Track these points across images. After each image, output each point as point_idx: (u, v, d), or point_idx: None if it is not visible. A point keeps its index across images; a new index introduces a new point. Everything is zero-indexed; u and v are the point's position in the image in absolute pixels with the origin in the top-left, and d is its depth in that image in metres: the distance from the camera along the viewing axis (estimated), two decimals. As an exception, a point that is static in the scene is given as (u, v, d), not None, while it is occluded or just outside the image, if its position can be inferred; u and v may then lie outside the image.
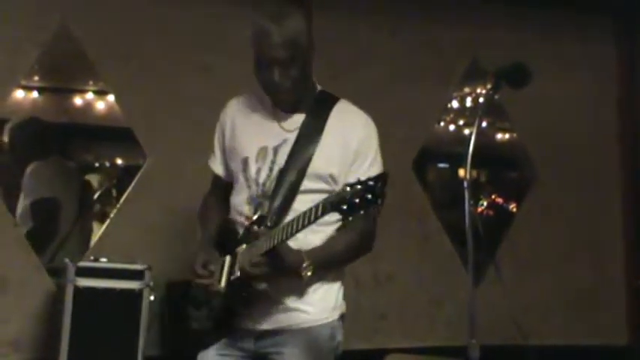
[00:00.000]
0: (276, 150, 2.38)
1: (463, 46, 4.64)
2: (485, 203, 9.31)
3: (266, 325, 2.36)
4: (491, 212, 9.17)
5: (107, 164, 8.47)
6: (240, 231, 2.40)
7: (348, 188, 1.99)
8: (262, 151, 2.40)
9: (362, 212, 1.99)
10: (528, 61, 2.24)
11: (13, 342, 3.78)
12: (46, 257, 4.09)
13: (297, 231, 2.14)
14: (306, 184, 2.34)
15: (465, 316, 2.13)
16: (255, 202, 2.38)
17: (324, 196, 2.22)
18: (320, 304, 2.38)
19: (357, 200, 1.96)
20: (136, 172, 4.21)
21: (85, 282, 3.46)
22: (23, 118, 4.69)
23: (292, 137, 2.38)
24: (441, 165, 9.86)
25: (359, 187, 1.98)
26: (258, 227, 2.32)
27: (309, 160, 2.34)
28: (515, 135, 7.43)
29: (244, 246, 2.34)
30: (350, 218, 2.04)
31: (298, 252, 2.24)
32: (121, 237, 4.00)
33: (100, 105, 7.43)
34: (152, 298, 3.54)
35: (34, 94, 7.22)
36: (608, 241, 4.92)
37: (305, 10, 2.47)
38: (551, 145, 4.79)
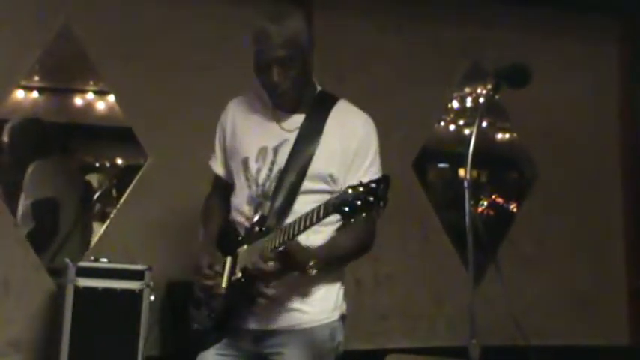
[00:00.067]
0: (276, 150, 2.39)
1: (464, 47, 4.63)
2: (485, 203, 9.32)
3: (266, 326, 2.36)
4: (491, 212, 9.18)
5: (107, 164, 8.49)
6: (241, 232, 2.40)
7: (350, 190, 1.99)
8: (262, 152, 2.40)
9: (364, 215, 1.98)
10: (529, 61, 2.24)
11: (13, 342, 3.77)
12: (47, 257, 4.08)
13: (300, 232, 2.14)
14: (307, 184, 2.34)
15: (466, 316, 2.12)
16: (256, 203, 2.38)
17: (324, 196, 2.23)
18: (320, 305, 2.38)
19: (359, 203, 1.96)
20: (137, 172, 4.21)
21: (85, 282, 3.46)
22: (24, 118, 4.69)
23: (292, 137, 2.38)
24: (442, 165, 9.87)
25: (361, 189, 1.98)
26: (259, 228, 2.32)
27: (309, 160, 2.34)
28: (515, 135, 7.45)
29: (245, 247, 2.34)
30: (352, 220, 2.04)
31: (307, 249, 2.23)
32: (122, 237, 4.00)
33: (101, 105, 7.45)
34: (152, 298, 3.54)
35: (35, 94, 7.23)
36: (609, 240, 4.92)
37: (305, 10, 2.47)
38: (551, 145, 4.79)
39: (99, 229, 4.47)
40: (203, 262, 2.37)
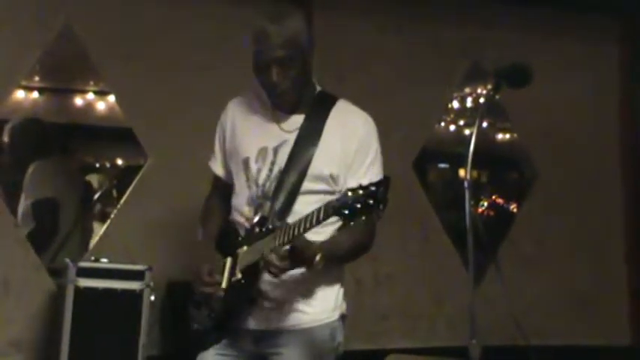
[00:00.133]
0: (276, 151, 2.38)
1: (464, 47, 4.63)
2: (485, 203, 9.33)
3: (266, 326, 2.36)
4: (491, 212, 9.19)
5: (108, 164, 8.49)
6: (241, 232, 2.40)
7: (350, 193, 1.98)
8: (262, 152, 2.40)
9: (363, 218, 1.98)
10: (529, 61, 2.24)
11: (14, 342, 3.77)
12: (47, 257, 4.08)
13: (300, 234, 2.13)
14: (307, 184, 2.34)
15: (466, 317, 2.12)
16: (256, 203, 2.38)
17: (324, 196, 2.23)
18: (320, 305, 2.38)
19: (359, 205, 1.96)
20: (137, 173, 4.21)
21: (85, 282, 3.46)
22: (24, 118, 4.69)
23: (292, 138, 2.37)
24: (442, 165, 9.88)
25: (361, 192, 1.97)
26: (259, 228, 2.32)
27: (309, 161, 2.34)
28: (515, 135, 7.45)
29: (245, 247, 2.34)
30: (351, 223, 2.03)
31: (313, 243, 2.20)
32: (122, 237, 4.00)
33: (101, 105, 7.46)
34: (153, 298, 3.54)
35: (35, 94, 7.24)
36: (610, 240, 4.92)
37: (304, 10, 2.46)
38: (552, 145, 4.79)
39: (99, 230, 4.47)
40: (203, 270, 2.36)
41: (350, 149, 2.35)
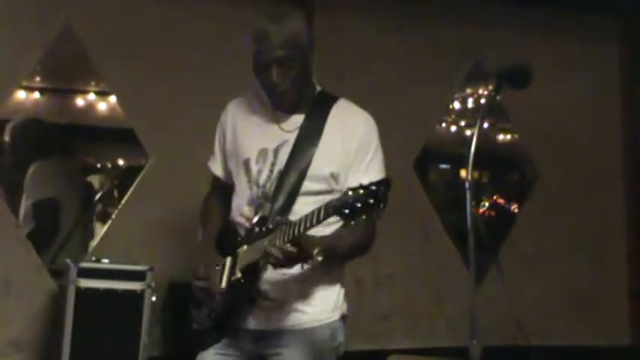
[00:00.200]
0: (276, 151, 2.38)
1: (464, 47, 4.63)
2: (486, 204, 9.33)
3: (266, 326, 2.36)
4: (492, 213, 9.19)
5: (109, 165, 8.49)
6: (241, 232, 2.40)
7: (351, 192, 1.99)
8: (263, 153, 2.40)
9: (363, 217, 1.98)
10: (530, 61, 2.24)
11: (15, 342, 3.78)
12: (48, 258, 4.09)
13: (300, 233, 2.13)
14: (307, 184, 2.34)
15: (466, 317, 2.13)
16: (256, 204, 2.38)
17: (325, 196, 2.22)
18: (320, 305, 2.38)
19: (359, 205, 1.96)
20: (138, 173, 4.21)
21: (87, 283, 3.46)
22: (25, 118, 4.69)
23: (292, 138, 2.37)
24: (443, 166, 9.88)
25: (361, 191, 1.97)
26: (259, 229, 2.32)
27: (310, 161, 2.34)
28: (516, 136, 7.46)
29: (245, 247, 2.34)
30: (352, 222, 2.03)
31: (312, 237, 2.18)
32: (123, 238, 4.00)
33: (102, 106, 7.46)
34: (154, 298, 3.54)
35: (36, 94, 7.24)
36: (610, 240, 4.92)
37: (305, 10, 2.46)
38: (552, 145, 4.79)
39: (100, 230, 4.47)
40: (200, 267, 2.38)
41: (350, 148, 2.35)
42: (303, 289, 2.36)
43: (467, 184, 2.16)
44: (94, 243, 4.29)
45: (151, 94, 4.07)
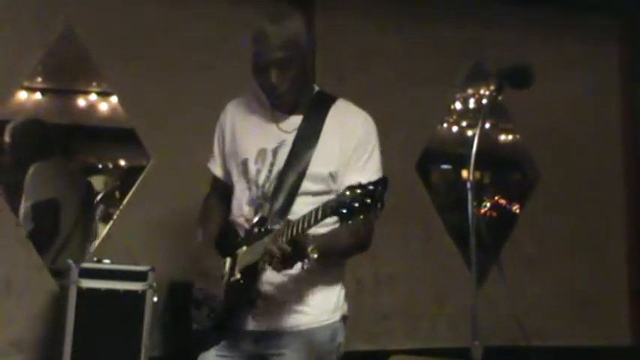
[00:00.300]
0: (275, 152, 2.38)
1: (464, 47, 4.63)
2: (488, 204, 9.31)
3: (266, 327, 2.36)
4: (494, 213, 9.18)
5: (110, 165, 8.49)
6: (241, 233, 2.40)
7: (348, 192, 1.98)
8: (261, 153, 2.40)
9: (361, 217, 1.98)
10: (530, 61, 2.24)
11: (15, 342, 3.78)
12: (49, 258, 4.09)
13: (298, 234, 2.13)
14: (306, 185, 2.34)
15: (468, 317, 2.12)
16: (256, 204, 2.38)
17: (324, 197, 2.22)
18: (320, 306, 2.38)
19: (357, 205, 1.95)
20: (139, 173, 4.21)
21: (88, 283, 3.46)
22: (25, 118, 4.69)
23: (290, 138, 2.38)
24: (444, 166, 9.88)
25: (358, 191, 1.97)
26: (259, 229, 2.32)
27: (308, 161, 2.34)
28: (518, 136, 7.45)
29: (244, 248, 2.34)
30: (349, 222, 2.03)
31: (307, 235, 2.16)
32: (124, 238, 4.00)
33: (104, 106, 7.46)
34: (155, 299, 3.54)
35: (38, 95, 7.24)
36: (610, 240, 4.91)
37: (305, 11, 2.47)
38: (554, 146, 4.79)
39: (102, 231, 4.47)
40: (199, 269, 2.38)
41: (349, 148, 2.35)
42: (303, 289, 2.35)
43: (468, 185, 2.16)
44: (95, 243, 4.29)
45: (150, 94, 4.07)
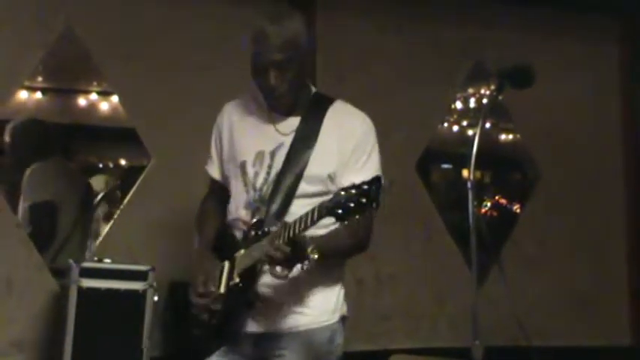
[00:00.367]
0: (272, 154, 2.38)
1: (464, 47, 4.63)
2: (489, 204, 9.31)
3: (265, 328, 2.36)
4: (494, 213, 9.18)
5: (111, 165, 8.49)
6: (238, 236, 2.40)
7: (343, 192, 1.98)
8: (259, 156, 2.40)
9: (357, 217, 1.98)
10: (531, 61, 2.24)
11: (16, 342, 3.78)
12: (50, 258, 4.09)
13: (295, 235, 2.12)
14: (304, 187, 2.33)
15: (468, 317, 2.13)
16: (253, 207, 2.37)
17: (321, 198, 2.22)
18: (320, 307, 2.37)
19: (352, 205, 1.95)
20: (139, 173, 4.21)
21: (88, 283, 3.46)
22: (25, 118, 4.69)
23: (288, 141, 2.37)
24: (445, 166, 9.88)
25: (353, 191, 1.96)
26: (256, 232, 2.31)
27: (306, 163, 2.33)
28: (518, 136, 7.45)
29: (242, 251, 2.33)
30: (345, 222, 2.03)
31: (305, 236, 2.17)
32: (125, 238, 4.00)
33: (104, 106, 7.46)
34: (156, 298, 3.54)
35: (38, 94, 7.25)
36: (611, 240, 4.92)
37: (305, 11, 2.46)
38: (554, 145, 4.79)
39: (102, 230, 4.47)
40: (198, 281, 2.36)
41: (347, 149, 2.34)
42: (301, 290, 2.35)
43: (469, 184, 2.16)
44: (96, 243, 4.29)
45: (150, 94, 4.07)
